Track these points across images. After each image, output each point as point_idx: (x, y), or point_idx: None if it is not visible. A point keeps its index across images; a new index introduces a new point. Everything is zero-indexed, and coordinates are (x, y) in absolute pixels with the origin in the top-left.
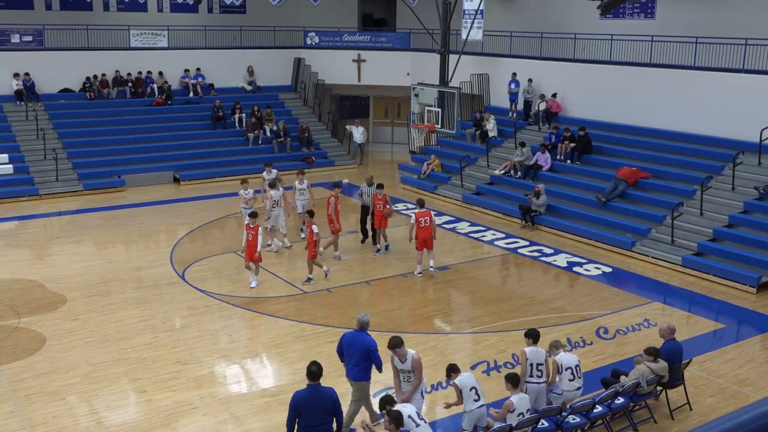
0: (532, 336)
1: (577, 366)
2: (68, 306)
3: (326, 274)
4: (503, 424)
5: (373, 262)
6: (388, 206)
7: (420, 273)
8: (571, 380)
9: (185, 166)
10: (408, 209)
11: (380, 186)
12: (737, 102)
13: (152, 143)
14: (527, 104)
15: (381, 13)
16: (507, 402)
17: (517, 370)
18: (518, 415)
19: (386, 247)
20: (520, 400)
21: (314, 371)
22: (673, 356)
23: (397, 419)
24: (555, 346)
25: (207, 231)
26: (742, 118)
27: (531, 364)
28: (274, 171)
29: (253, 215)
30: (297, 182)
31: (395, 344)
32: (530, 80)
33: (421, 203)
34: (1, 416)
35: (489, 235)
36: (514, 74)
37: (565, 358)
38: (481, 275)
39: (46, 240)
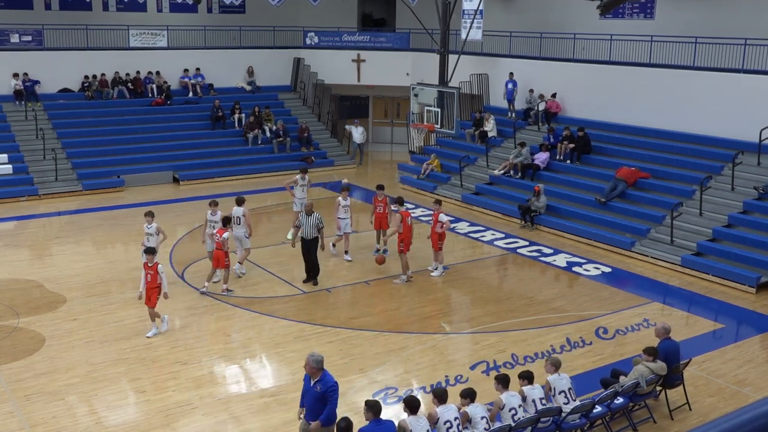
0: (527, 377)
1: (570, 389)
2: (68, 306)
3: (202, 288)
4: (502, 425)
5: (372, 262)
6: (388, 211)
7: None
8: (566, 403)
9: (184, 166)
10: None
11: (381, 187)
12: (737, 102)
13: (151, 143)
14: (528, 109)
15: (380, 13)
16: (496, 400)
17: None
18: (510, 410)
19: (384, 251)
20: (510, 397)
21: (376, 408)
22: (670, 355)
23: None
24: (554, 365)
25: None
26: (742, 118)
27: (533, 400)
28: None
29: (150, 251)
30: (299, 177)
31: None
32: (531, 90)
33: (400, 201)
34: (0, 416)
35: (488, 235)
36: (511, 74)
37: (559, 381)
38: (481, 275)
39: (45, 240)
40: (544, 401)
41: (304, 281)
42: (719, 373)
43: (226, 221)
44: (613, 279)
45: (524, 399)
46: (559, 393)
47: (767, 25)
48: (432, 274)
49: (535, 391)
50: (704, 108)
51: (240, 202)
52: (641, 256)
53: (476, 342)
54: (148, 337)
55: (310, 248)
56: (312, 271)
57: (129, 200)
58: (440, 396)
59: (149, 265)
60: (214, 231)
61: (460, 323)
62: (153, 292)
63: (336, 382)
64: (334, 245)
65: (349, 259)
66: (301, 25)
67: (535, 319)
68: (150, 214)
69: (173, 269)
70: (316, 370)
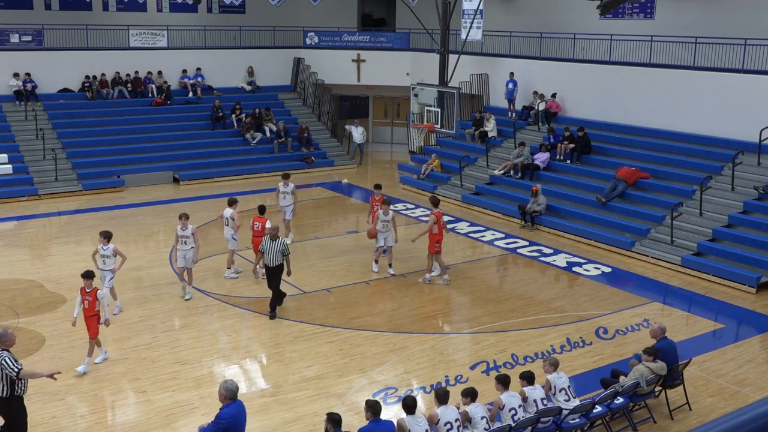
0: (527, 378)
1: (569, 387)
2: (67, 306)
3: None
4: (503, 425)
5: (372, 262)
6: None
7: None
8: (566, 401)
9: (185, 166)
10: (407, 209)
11: (378, 187)
12: (737, 102)
13: (151, 143)
14: (528, 109)
15: (380, 13)
16: (496, 400)
17: (517, 369)
18: (510, 411)
19: (384, 251)
20: (510, 397)
21: (378, 409)
22: (667, 354)
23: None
24: (553, 365)
25: (206, 231)
26: (742, 118)
27: (534, 401)
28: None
29: (88, 275)
30: (281, 185)
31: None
32: (535, 92)
33: (435, 202)
34: None
35: (488, 235)
36: (512, 74)
37: (558, 380)
38: (481, 275)
39: (45, 240)
40: (545, 401)
41: (271, 317)
42: (719, 373)
43: (262, 209)
44: (613, 279)
45: (525, 400)
46: (560, 391)
47: (767, 25)
48: (432, 273)
49: (536, 392)
50: (704, 108)
51: (231, 203)
52: (641, 256)
53: (476, 342)
54: (80, 373)
55: (273, 276)
56: (274, 300)
57: (129, 200)
58: (441, 397)
59: (87, 290)
60: (187, 246)
61: (460, 323)
62: (92, 320)
63: (228, 420)
64: (376, 261)
65: (393, 272)
66: (301, 25)
67: (535, 319)
68: (106, 235)
69: (173, 270)
70: (224, 397)
